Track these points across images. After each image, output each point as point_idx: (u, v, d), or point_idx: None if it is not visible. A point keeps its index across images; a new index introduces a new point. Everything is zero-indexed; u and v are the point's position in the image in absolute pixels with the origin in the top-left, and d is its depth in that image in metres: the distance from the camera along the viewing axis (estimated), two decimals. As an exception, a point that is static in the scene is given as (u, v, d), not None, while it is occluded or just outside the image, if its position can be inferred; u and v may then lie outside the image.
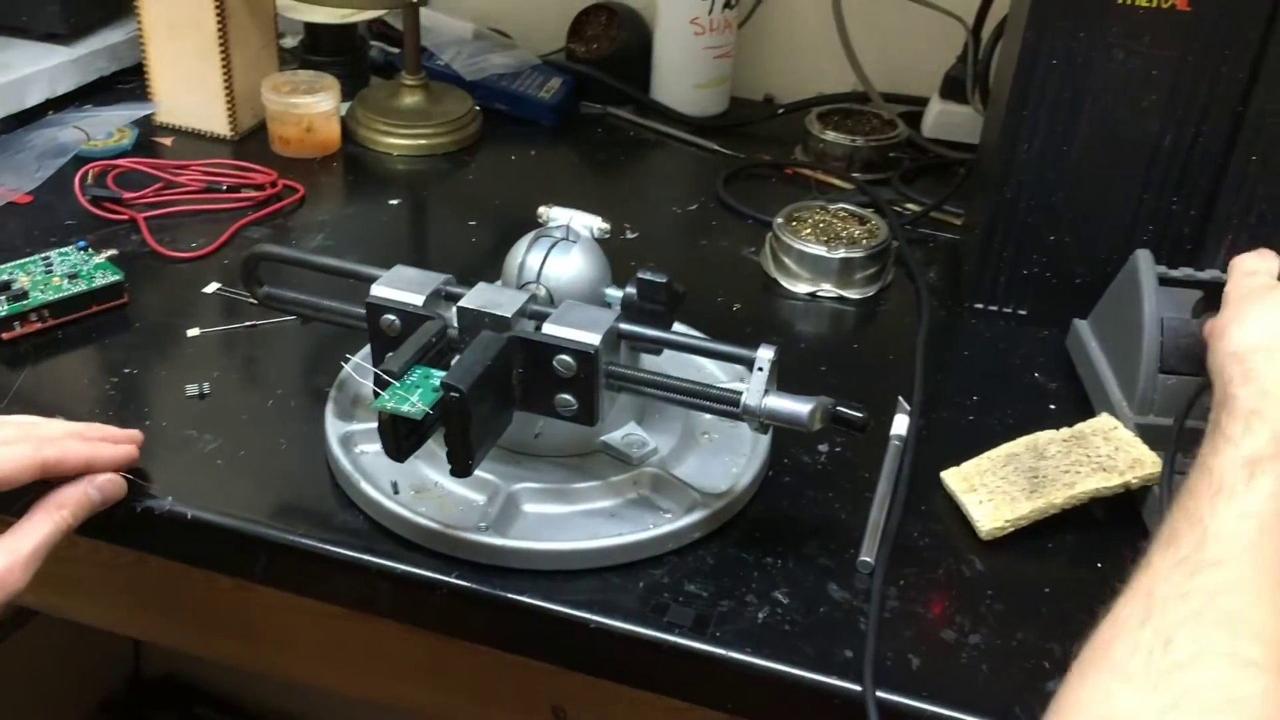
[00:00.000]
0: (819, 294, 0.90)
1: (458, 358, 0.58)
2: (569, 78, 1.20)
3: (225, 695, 1.75)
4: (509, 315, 0.61)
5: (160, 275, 0.86)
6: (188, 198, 0.96)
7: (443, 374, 0.56)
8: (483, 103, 1.15)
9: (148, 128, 1.07)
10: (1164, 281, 0.74)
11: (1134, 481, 0.66)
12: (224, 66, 1.04)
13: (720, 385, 0.64)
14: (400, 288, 0.64)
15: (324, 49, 1.16)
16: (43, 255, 0.83)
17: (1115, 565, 0.66)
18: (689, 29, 1.16)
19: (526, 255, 0.66)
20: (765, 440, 0.69)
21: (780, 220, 0.93)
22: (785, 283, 0.91)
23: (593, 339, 0.60)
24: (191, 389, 0.74)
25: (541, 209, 0.69)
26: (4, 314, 0.76)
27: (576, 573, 0.62)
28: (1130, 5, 0.76)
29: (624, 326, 0.63)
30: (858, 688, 0.57)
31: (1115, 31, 0.77)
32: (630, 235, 0.97)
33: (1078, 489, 0.66)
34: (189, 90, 1.06)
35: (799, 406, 0.59)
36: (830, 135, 1.10)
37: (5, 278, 0.79)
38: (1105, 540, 0.67)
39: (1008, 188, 0.83)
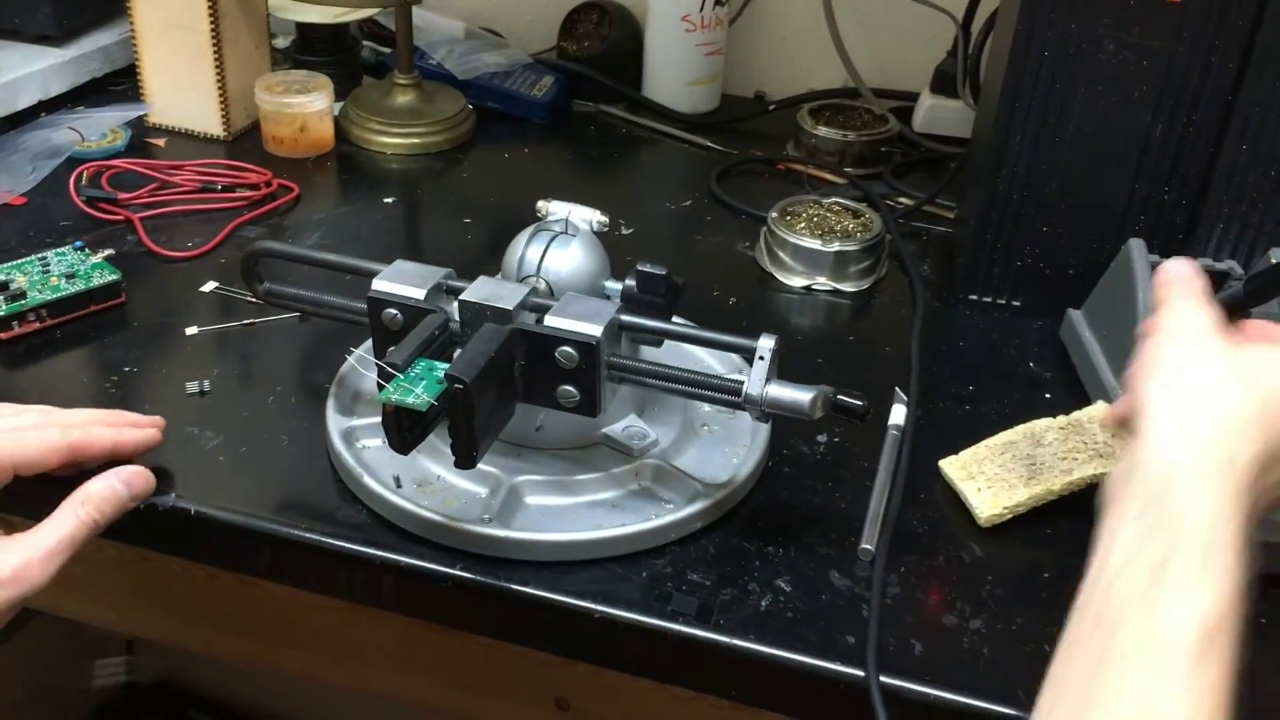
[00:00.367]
0: (814, 287, 0.91)
1: (460, 350, 0.59)
2: (561, 76, 1.21)
3: (218, 699, 1.75)
4: (510, 308, 0.61)
5: (157, 275, 0.86)
6: (183, 198, 0.96)
7: (446, 366, 0.57)
8: (475, 101, 1.16)
9: (141, 129, 1.07)
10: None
11: (1130, 467, 0.67)
12: (217, 67, 1.04)
13: (721, 375, 0.65)
14: (402, 282, 0.64)
15: (316, 49, 1.17)
16: (39, 256, 0.83)
17: (1113, 550, 0.66)
18: (680, 26, 1.17)
19: (526, 249, 0.67)
20: (765, 431, 0.69)
21: (775, 215, 0.94)
22: (780, 276, 0.92)
23: (594, 330, 0.60)
24: (192, 386, 0.74)
25: (540, 203, 0.69)
26: (2, 314, 0.76)
27: (580, 563, 0.62)
28: (1121, -3, 0.77)
29: (625, 318, 0.63)
30: (861, 673, 0.57)
31: (1106, 23, 0.78)
32: (625, 231, 0.97)
33: (1075, 475, 0.67)
34: (182, 91, 1.06)
35: (800, 395, 0.59)
36: (822, 131, 1.11)
37: (3, 278, 0.79)
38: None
39: (1000, 180, 0.84)
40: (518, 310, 0.62)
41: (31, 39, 1.09)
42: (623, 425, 0.69)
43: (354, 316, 0.70)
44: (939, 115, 1.16)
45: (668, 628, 0.59)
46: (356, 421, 0.70)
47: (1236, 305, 0.70)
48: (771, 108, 1.22)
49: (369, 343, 0.67)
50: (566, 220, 0.68)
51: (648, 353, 0.68)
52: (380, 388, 0.56)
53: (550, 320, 0.61)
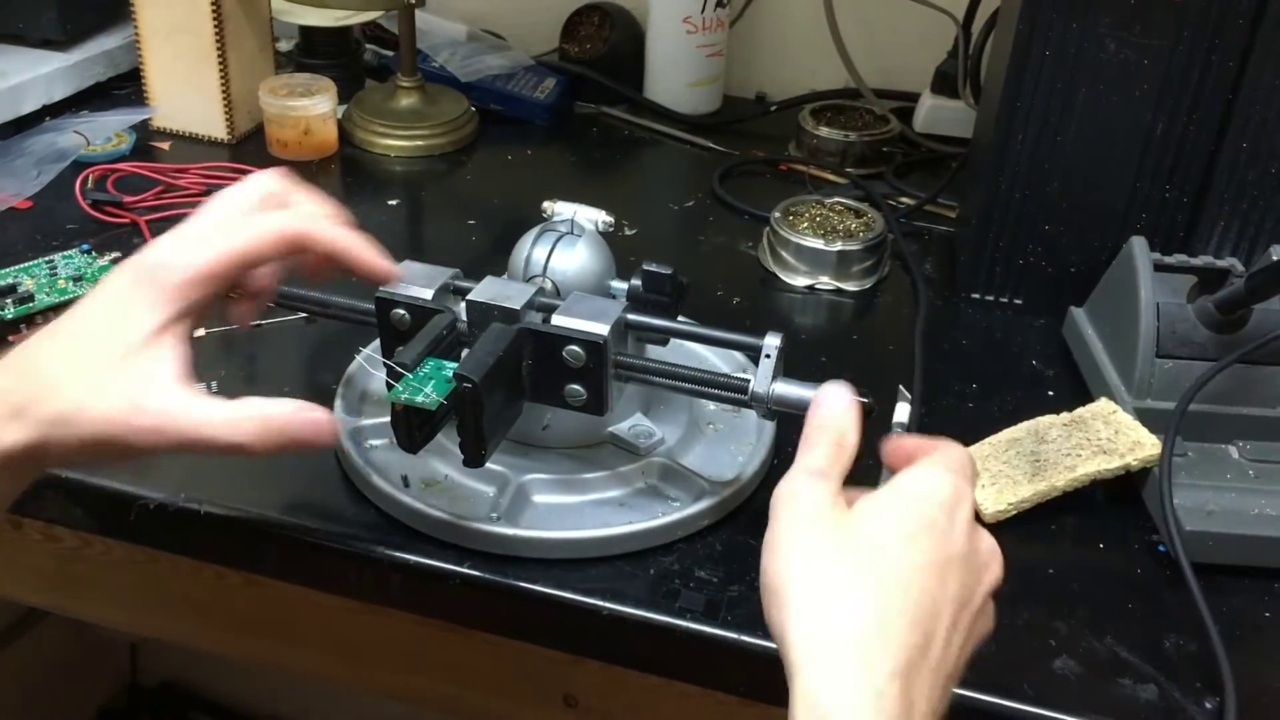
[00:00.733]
0: (817, 287, 0.91)
1: (468, 350, 0.59)
2: (563, 78, 1.21)
3: (221, 701, 1.75)
4: (518, 308, 0.62)
5: (163, 277, 0.87)
6: (188, 200, 0.96)
7: (454, 366, 0.57)
8: (478, 103, 1.16)
9: (145, 132, 1.07)
10: (1159, 268, 0.75)
11: (1134, 464, 0.67)
12: (221, 71, 1.04)
13: (728, 374, 0.65)
14: (409, 282, 0.65)
15: (319, 52, 1.17)
16: (46, 259, 0.83)
17: (1116, 545, 0.67)
18: (681, 28, 1.17)
19: (532, 249, 0.67)
20: (770, 429, 0.70)
21: (778, 214, 0.94)
22: (783, 276, 0.92)
23: (601, 329, 0.61)
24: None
25: (546, 203, 0.70)
26: (10, 317, 0.77)
27: (587, 561, 0.63)
28: (1121, -4, 0.77)
29: (631, 317, 0.63)
30: (868, 668, 0.57)
31: (1107, 23, 0.78)
32: (629, 231, 0.97)
33: (1079, 472, 0.67)
34: (186, 94, 1.06)
35: (806, 392, 0.60)
36: (824, 131, 1.11)
37: (10, 281, 0.80)
38: (1106, 521, 0.68)
39: (1002, 179, 0.84)
40: (525, 310, 0.62)
41: (36, 43, 1.09)
42: (629, 424, 0.69)
43: (361, 317, 0.70)
44: (940, 115, 1.16)
45: (676, 624, 0.60)
46: (364, 421, 0.70)
47: (1238, 302, 0.70)
48: (773, 109, 1.23)
49: (376, 343, 0.68)
50: (572, 220, 0.68)
51: (652, 352, 0.69)
52: (389, 387, 0.57)
53: (557, 320, 0.62)
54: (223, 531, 0.65)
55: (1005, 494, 0.67)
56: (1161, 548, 0.66)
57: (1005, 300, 0.89)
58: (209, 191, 0.96)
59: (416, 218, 1.02)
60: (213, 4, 1.01)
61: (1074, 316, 0.83)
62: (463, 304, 0.64)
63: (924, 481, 0.49)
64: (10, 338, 0.77)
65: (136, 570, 0.73)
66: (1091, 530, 0.68)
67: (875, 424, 0.56)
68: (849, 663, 0.43)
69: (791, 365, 0.63)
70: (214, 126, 1.07)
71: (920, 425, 0.73)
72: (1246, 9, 0.76)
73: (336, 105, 1.07)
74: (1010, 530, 0.67)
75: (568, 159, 1.15)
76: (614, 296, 0.67)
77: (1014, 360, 0.84)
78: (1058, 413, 0.72)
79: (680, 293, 0.67)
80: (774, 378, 0.61)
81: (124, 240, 0.90)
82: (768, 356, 0.61)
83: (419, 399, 0.56)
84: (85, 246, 0.86)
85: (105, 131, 1.04)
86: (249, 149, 1.08)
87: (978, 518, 0.67)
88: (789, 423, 0.63)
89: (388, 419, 0.58)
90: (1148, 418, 0.70)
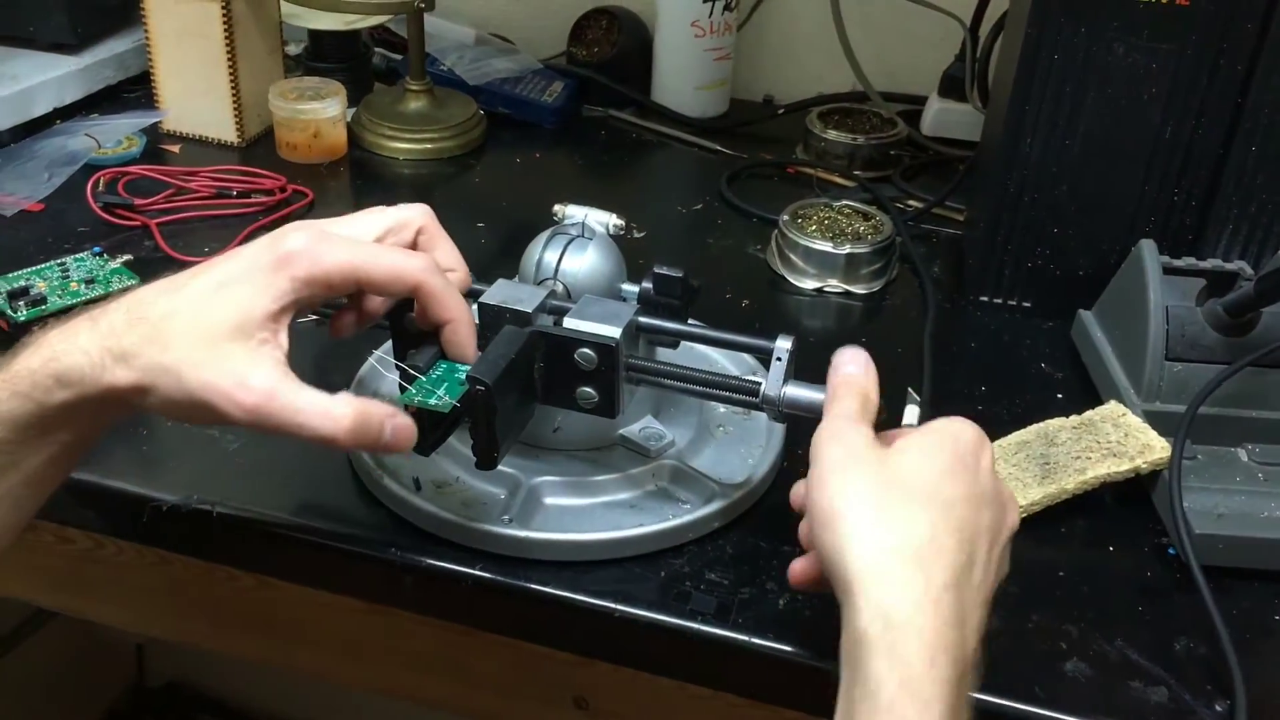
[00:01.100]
0: (825, 289, 0.92)
1: (481, 353, 0.59)
2: (571, 81, 1.21)
3: (227, 702, 1.76)
4: (530, 310, 0.62)
5: (174, 280, 0.87)
6: (198, 203, 0.97)
7: (467, 368, 0.57)
8: (486, 107, 1.16)
9: (155, 135, 1.08)
10: (1168, 271, 0.75)
11: (1144, 466, 0.68)
12: (231, 74, 1.04)
13: (739, 377, 0.65)
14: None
15: (328, 56, 1.17)
16: (59, 261, 0.84)
17: (1126, 548, 0.67)
18: (689, 31, 1.18)
19: (544, 252, 0.67)
20: (780, 432, 0.70)
21: (786, 217, 0.94)
22: (792, 279, 0.93)
23: (613, 332, 0.61)
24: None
25: (557, 206, 0.70)
26: (24, 319, 0.77)
27: (598, 563, 0.63)
28: (1130, 0, 0.77)
29: (643, 320, 0.64)
30: (879, 670, 0.57)
31: (1115, 26, 0.78)
32: (638, 234, 0.98)
33: (1088, 474, 0.67)
34: (196, 98, 1.07)
35: (818, 395, 0.60)
36: (831, 134, 1.11)
37: (23, 284, 0.80)
38: (1116, 524, 0.68)
39: (1010, 182, 0.85)
40: (537, 313, 0.63)
41: (46, 47, 1.10)
42: (639, 426, 0.69)
43: (373, 319, 0.70)
44: (947, 118, 1.16)
45: (686, 626, 0.60)
46: (375, 424, 0.70)
47: (1247, 305, 0.70)
48: (780, 112, 1.23)
49: (388, 344, 0.68)
50: (583, 223, 0.69)
51: (662, 354, 0.69)
52: (402, 390, 0.57)
53: (569, 322, 0.62)
54: (235, 533, 0.66)
55: (1015, 497, 0.67)
56: (1171, 550, 0.66)
57: (1014, 303, 0.89)
58: (219, 194, 0.97)
59: (425, 220, 1.03)
60: (223, 8, 1.01)
61: (1083, 319, 0.83)
62: (474, 306, 0.64)
63: (951, 425, 0.54)
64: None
65: (148, 572, 0.74)
66: (1101, 533, 0.68)
67: (885, 427, 0.56)
68: (909, 574, 0.47)
69: (800, 368, 0.63)
70: (224, 130, 1.08)
71: (929, 428, 0.73)
72: (1255, 12, 0.76)
73: (346, 108, 1.08)
74: (1020, 533, 0.66)
75: (576, 162, 1.16)
76: (625, 299, 0.67)
77: (1023, 363, 0.84)
78: (1067, 415, 0.72)
79: (691, 295, 0.67)
80: (786, 381, 0.61)
81: (135, 242, 0.91)
82: (779, 359, 0.61)
83: (432, 401, 0.56)
84: (97, 249, 0.86)
85: (116, 135, 1.04)
86: (259, 152, 1.08)
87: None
88: (799, 425, 0.63)
89: (401, 421, 0.59)
90: (1157, 420, 0.70)
